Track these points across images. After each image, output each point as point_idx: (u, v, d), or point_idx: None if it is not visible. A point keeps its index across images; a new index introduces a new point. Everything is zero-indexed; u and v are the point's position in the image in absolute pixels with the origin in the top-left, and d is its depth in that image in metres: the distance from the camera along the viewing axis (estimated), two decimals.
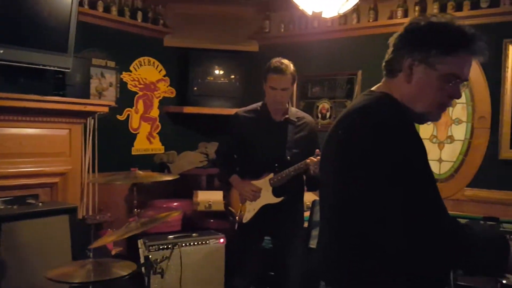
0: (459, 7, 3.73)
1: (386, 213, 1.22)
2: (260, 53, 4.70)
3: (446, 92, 1.32)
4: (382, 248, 1.25)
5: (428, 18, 1.34)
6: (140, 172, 2.51)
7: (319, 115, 4.54)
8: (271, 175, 2.91)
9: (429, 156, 4.12)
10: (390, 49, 1.40)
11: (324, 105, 4.54)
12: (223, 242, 3.66)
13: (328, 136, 1.44)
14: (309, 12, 3.31)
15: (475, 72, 3.70)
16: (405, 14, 3.99)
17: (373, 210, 1.24)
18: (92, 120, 3.88)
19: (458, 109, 3.87)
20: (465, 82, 1.52)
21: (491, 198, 3.63)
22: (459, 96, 1.34)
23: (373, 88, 1.45)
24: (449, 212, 3.71)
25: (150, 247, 3.38)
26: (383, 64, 1.43)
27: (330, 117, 4.48)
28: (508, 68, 3.54)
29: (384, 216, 1.22)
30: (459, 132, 3.87)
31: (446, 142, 3.93)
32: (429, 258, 1.21)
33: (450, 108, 3.91)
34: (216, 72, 4.75)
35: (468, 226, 1.28)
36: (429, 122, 1.44)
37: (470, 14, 3.62)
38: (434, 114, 1.37)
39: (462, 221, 3.27)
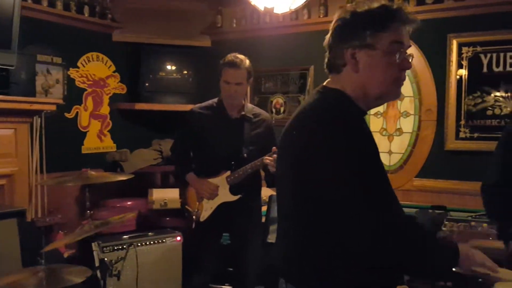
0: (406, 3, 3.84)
1: (342, 211, 1.24)
2: (213, 48, 4.66)
3: (395, 66, 1.35)
4: (340, 244, 1.27)
5: (350, 10, 1.39)
6: (92, 172, 2.44)
7: (273, 110, 4.57)
8: (228, 172, 2.90)
9: (379, 149, 4.23)
10: (327, 50, 1.44)
11: (278, 100, 4.57)
12: (180, 240, 3.63)
13: (284, 134, 1.45)
14: (261, 7, 3.32)
15: (421, 66, 3.84)
16: None
17: (330, 208, 1.26)
18: (39, 119, 3.73)
19: (406, 102, 4.01)
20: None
21: (438, 188, 3.78)
22: (409, 66, 1.38)
23: (325, 83, 1.46)
24: (402, 202, 3.83)
25: (104, 248, 3.30)
26: (325, 65, 1.46)
27: (284, 112, 4.52)
28: (452, 62, 3.69)
29: (340, 214, 1.24)
30: (407, 124, 4.01)
31: (395, 135, 4.06)
32: (382, 254, 1.23)
33: (399, 102, 4.04)
34: (168, 67, 4.68)
35: (422, 226, 1.35)
36: (379, 116, 1.47)
37: (415, 10, 3.73)
38: (392, 92, 1.40)
39: (412, 210, 3.44)
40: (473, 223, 2.99)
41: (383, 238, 1.22)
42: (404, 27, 1.36)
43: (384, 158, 4.13)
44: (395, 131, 4.06)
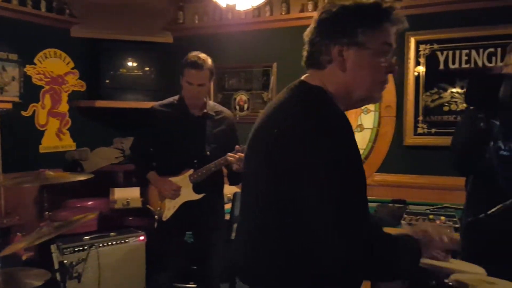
0: None
1: (318, 218, 1.19)
2: (175, 45, 4.61)
3: (382, 68, 1.29)
4: (307, 251, 1.23)
5: (339, 4, 1.30)
6: (51, 172, 2.38)
7: (237, 107, 4.56)
8: (191, 171, 2.88)
9: None
10: (308, 44, 1.35)
11: (241, 97, 4.57)
12: (143, 240, 3.58)
13: (257, 131, 1.37)
14: (222, 4, 3.31)
15: None
16: (315, 8, 4.11)
17: (304, 213, 1.21)
18: None
19: None
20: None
21: (398, 182, 3.88)
22: (396, 70, 1.33)
23: (303, 78, 1.37)
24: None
25: (65, 250, 3.22)
26: (305, 59, 1.37)
27: (248, 108, 4.52)
28: (410, 59, 3.79)
29: (315, 221, 1.19)
30: (368, 120, 4.09)
31: (356, 131, 4.13)
32: (348, 264, 1.20)
33: None
34: (129, 64, 4.60)
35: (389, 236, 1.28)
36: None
37: None
38: (376, 95, 1.34)
39: (373, 205, 3.51)
40: (431, 216, 3.09)
41: (355, 250, 1.18)
42: (393, 28, 1.31)
43: None
44: (356, 127, 4.14)
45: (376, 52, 1.27)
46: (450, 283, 1.30)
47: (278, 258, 1.28)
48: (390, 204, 3.50)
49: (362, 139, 4.12)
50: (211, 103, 3.01)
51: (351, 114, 4.16)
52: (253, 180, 1.37)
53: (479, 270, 1.48)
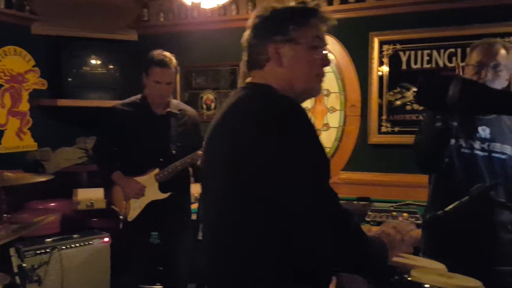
0: (330, 2, 3.94)
1: (288, 212, 1.20)
2: (139, 43, 4.54)
3: (317, 62, 1.38)
4: (278, 249, 1.24)
5: (270, 7, 1.39)
6: (9, 174, 2.31)
7: (204, 106, 4.54)
8: (157, 170, 2.85)
9: None
10: (247, 48, 1.41)
11: (208, 96, 4.55)
12: (107, 241, 3.51)
13: (214, 132, 1.37)
14: (188, 2, 3.28)
15: (346, 63, 3.97)
16: None
17: (276, 208, 1.21)
18: None
19: (332, 98, 4.13)
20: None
21: (363, 180, 3.94)
22: (329, 63, 1.42)
23: (248, 80, 1.41)
24: None
25: (26, 253, 3.12)
26: (245, 64, 1.42)
27: (215, 108, 4.51)
28: (374, 59, 3.85)
29: (284, 215, 1.20)
30: (334, 119, 4.14)
31: (322, 130, 4.17)
32: (332, 257, 1.22)
33: (325, 98, 4.16)
34: (93, 62, 4.50)
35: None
36: (307, 112, 1.40)
37: (339, 8, 3.86)
38: (315, 87, 1.41)
39: None
40: (394, 213, 3.15)
41: (330, 238, 1.19)
42: (322, 24, 1.40)
43: None
44: (322, 126, 4.18)
45: (309, 46, 1.36)
46: (409, 278, 1.33)
47: (249, 258, 1.28)
48: (355, 202, 3.55)
49: (328, 138, 4.16)
50: (174, 101, 2.99)
51: (317, 114, 4.21)
52: (214, 181, 1.37)
53: (439, 266, 1.52)
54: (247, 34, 1.42)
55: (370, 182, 3.88)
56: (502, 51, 2.03)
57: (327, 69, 4.41)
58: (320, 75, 1.41)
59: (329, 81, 4.12)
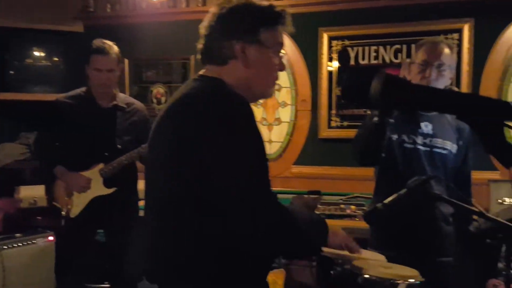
0: None
1: (221, 204, 1.22)
2: (85, 34, 4.39)
3: (276, 67, 1.39)
4: (214, 240, 1.25)
5: (231, 1, 1.36)
6: None
7: (154, 100, 4.46)
8: (101, 165, 2.78)
9: None
10: (205, 38, 1.38)
11: (158, 89, 4.47)
12: (52, 240, 3.40)
13: (158, 125, 1.37)
14: None
15: (296, 58, 4.00)
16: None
17: (208, 202, 1.23)
18: None
19: (284, 93, 4.15)
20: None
21: (314, 174, 3.99)
22: (284, 68, 1.44)
23: (201, 73, 1.40)
24: (279, 188, 3.94)
25: None
26: (201, 53, 1.40)
27: (166, 102, 4.43)
28: (323, 54, 3.90)
29: (219, 207, 1.22)
30: (285, 114, 4.16)
31: (274, 124, 4.19)
32: (260, 244, 1.25)
33: (277, 92, 4.18)
34: (36, 54, 4.33)
35: (290, 210, 1.34)
36: (259, 106, 1.40)
37: (289, 3, 3.85)
38: (269, 91, 1.44)
39: (289, 196, 3.59)
40: (342, 206, 3.21)
41: (262, 223, 1.22)
42: (284, 29, 1.40)
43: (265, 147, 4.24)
44: (274, 121, 4.20)
45: (273, 51, 1.37)
46: (350, 269, 1.35)
47: (188, 253, 1.28)
48: (306, 196, 3.59)
49: (280, 133, 4.19)
50: (121, 95, 2.93)
51: (269, 108, 4.22)
52: (157, 174, 1.36)
53: (379, 257, 1.56)
54: (208, 23, 1.37)
55: (320, 175, 3.94)
56: (446, 51, 2.09)
57: None
58: (276, 79, 1.43)
59: (281, 76, 4.07)
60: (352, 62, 3.84)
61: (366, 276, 1.32)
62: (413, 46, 2.20)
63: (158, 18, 4.31)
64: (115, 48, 2.79)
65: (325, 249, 1.51)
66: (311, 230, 1.34)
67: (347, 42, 3.84)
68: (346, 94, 0.74)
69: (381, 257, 1.56)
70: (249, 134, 1.24)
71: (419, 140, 2.08)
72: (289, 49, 4.00)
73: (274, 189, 4.10)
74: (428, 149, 2.08)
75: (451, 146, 2.12)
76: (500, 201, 3.04)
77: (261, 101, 4.20)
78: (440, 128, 2.12)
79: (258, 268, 1.33)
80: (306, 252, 1.42)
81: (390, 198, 1.41)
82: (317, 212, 3.14)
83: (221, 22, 1.35)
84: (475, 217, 2.04)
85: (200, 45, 1.40)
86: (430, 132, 2.10)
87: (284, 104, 4.18)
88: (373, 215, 1.43)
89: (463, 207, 1.44)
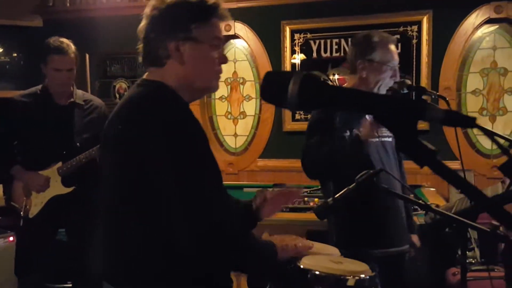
0: None
1: (168, 211, 1.21)
2: (45, 29, 4.27)
3: (215, 60, 1.38)
4: (163, 246, 1.25)
5: (164, 1, 1.34)
6: None
7: (117, 95, 4.39)
8: (60, 163, 2.72)
9: (226, 132, 4.24)
10: (143, 41, 1.38)
11: (121, 84, 4.40)
12: (12, 241, 3.31)
13: (108, 127, 1.37)
14: None
15: (260, 51, 3.99)
16: None
17: (155, 205, 1.23)
18: None
19: (248, 87, 4.15)
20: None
21: (279, 167, 4.00)
22: (226, 60, 1.42)
23: (144, 77, 1.40)
24: (245, 182, 3.92)
25: None
26: (142, 56, 1.39)
27: None
28: (286, 48, 3.90)
29: (165, 214, 1.22)
30: (250, 108, 4.16)
31: (239, 118, 4.19)
32: (207, 257, 1.24)
33: (241, 86, 4.18)
34: None
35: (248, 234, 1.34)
36: (224, 100, 1.41)
37: None
38: (214, 84, 1.42)
39: (254, 190, 3.59)
40: (306, 199, 3.23)
41: (209, 238, 1.21)
42: (221, 22, 1.39)
43: (231, 141, 4.25)
44: (239, 114, 4.19)
45: (210, 46, 1.36)
46: (301, 266, 1.36)
47: (140, 256, 1.29)
48: (270, 189, 3.59)
49: (245, 126, 4.19)
50: (79, 91, 2.86)
51: (233, 102, 4.21)
52: (105, 177, 1.37)
53: (332, 250, 1.58)
54: (143, 25, 1.37)
55: (285, 168, 3.95)
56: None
57: (241, 57, 4.41)
58: (218, 72, 1.42)
59: (244, 70, 4.14)
60: (314, 55, 3.86)
61: (316, 272, 1.33)
62: (365, 42, 2.12)
63: (119, 12, 4.22)
64: (73, 47, 2.73)
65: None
66: (261, 251, 1.34)
67: (309, 35, 3.85)
68: (263, 94, 0.73)
69: (334, 250, 1.58)
70: (187, 140, 1.23)
71: None
72: (252, 43, 3.99)
73: (240, 182, 4.09)
74: (378, 140, 2.09)
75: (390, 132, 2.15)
76: (459, 190, 3.11)
77: (225, 94, 4.19)
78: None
79: (209, 272, 1.32)
80: (253, 271, 1.42)
81: (340, 193, 1.42)
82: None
83: (154, 23, 1.34)
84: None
85: (139, 48, 1.40)
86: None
87: (249, 98, 4.17)
88: (324, 210, 1.44)
89: (409, 200, 1.46)
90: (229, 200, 1.45)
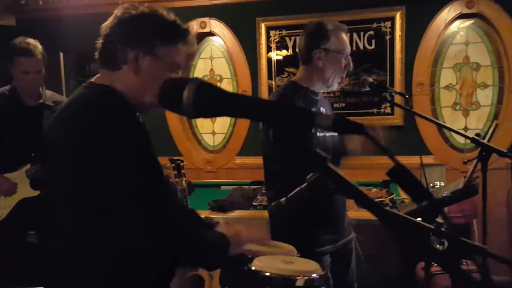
0: None
1: (113, 210, 1.21)
2: (18, 28, 4.23)
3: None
4: (110, 245, 1.25)
5: (138, 8, 1.33)
6: None
7: None
8: (28, 166, 2.69)
9: (203, 129, 4.21)
10: (104, 38, 1.35)
11: None
12: None
13: (50, 132, 1.36)
14: None
15: (236, 49, 3.97)
16: None
17: (101, 207, 1.22)
18: None
19: (225, 84, 4.14)
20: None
21: (256, 164, 3.95)
22: None
23: (92, 80, 1.39)
24: (223, 180, 3.91)
25: None
26: (98, 54, 1.37)
27: None
28: (262, 45, 3.89)
29: (112, 213, 1.21)
30: None
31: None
32: (153, 254, 1.24)
33: (218, 83, 4.16)
34: None
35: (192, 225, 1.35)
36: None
37: None
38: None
39: (230, 188, 3.58)
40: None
41: (155, 232, 1.22)
42: (185, 48, 1.38)
43: (209, 139, 4.24)
44: None
45: (168, 67, 1.35)
46: (253, 268, 1.36)
47: (82, 260, 1.29)
48: (246, 187, 3.59)
49: (223, 124, 4.18)
50: (48, 92, 2.83)
51: None
52: (52, 179, 1.37)
53: (289, 248, 1.57)
54: (110, 23, 1.34)
55: (262, 166, 3.93)
56: None
57: (218, 54, 4.37)
58: None
59: (221, 67, 4.12)
60: (290, 51, 3.86)
61: (266, 274, 1.33)
62: (316, 29, 2.07)
63: (94, 10, 4.18)
64: (40, 47, 2.68)
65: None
66: (208, 246, 1.34)
67: (284, 32, 3.85)
68: (160, 101, 0.73)
69: (290, 248, 1.58)
70: (128, 146, 1.22)
71: None
72: (228, 40, 3.97)
73: (219, 180, 4.07)
74: (330, 133, 2.07)
75: None
76: (432, 185, 3.13)
77: None
78: (330, 110, 2.16)
79: (157, 265, 1.33)
80: (202, 262, 1.41)
81: (292, 192, 1.42)
82: (255, 204, 3.16)
83: (120, 27, 1.32)
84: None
85: (98, 44, 1.37)
86: None
87: None
88: (278, 210, 1.44)
89: (360, 199, 1.46)
90: (175, 199, 1.44)
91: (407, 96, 1.89)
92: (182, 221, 1.32)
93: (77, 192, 1.26)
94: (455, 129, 2.09)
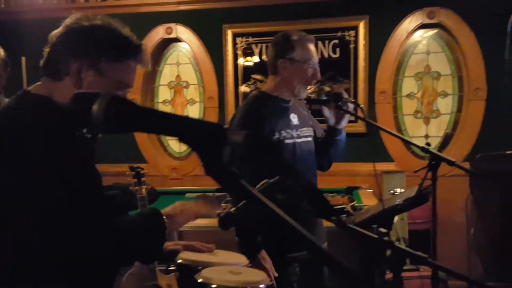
0: None
1: (40, 218, 1.17)
2: None
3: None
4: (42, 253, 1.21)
5: (91, 19, 1.29)
6: None
7: None
8: None
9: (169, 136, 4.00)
10: (50, 46, 1.30)
11: None
12: None
13: None
14: None
15: (202, 55, 3.97)
16: None
17: (26, 215, 1.18)
18: None
19: (192, 90, 4.13)
20: None
21: None
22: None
23: (30, 88, 1.33)
24: (189, 187, 3.88)
25: None
26: (42, 62, 1.32)
27: None
28: (228, 51, 3.90)
29: (36, 221, 1.17)
30: (194, 112, 4.14)
31: None
32: (87, 258, 1.20)
33: (185, 89, 4.15)
34: None
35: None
36: (167, 104, 1.35)
37: (192, 0, 3.85)
38: None
39: (193, 195, 3.56)
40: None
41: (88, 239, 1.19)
42: (136, 65, 1.33)
43: (174, 146, 4.21)
44: None
45: (112, 84, 1.28)
46: (199, 280, 1.35)
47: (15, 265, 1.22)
48: (211, 194, 3.57)
49: None
50: (6, 100, 2.76)
51: (177, 106, 4.18)
52: None
53: (240, 259, 1.57)
54: (58, 32, 1.30)
55: None
56: None
57: (184, 60, 4.33)
58: None
59: (188, 73, 4.11)
60: (256, 59, 3.87)
61: (213, 286, 1.32)
62: (280, 40, 2.12)
63: (57, 14, 4.11)
64: (2, 52, 2.62)
65: (182, 256, 1.52)
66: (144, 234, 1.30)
67: (251, 39, 3.86)
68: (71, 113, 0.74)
69: (242, 258, 1.58)
70: (46, 161, 1.18)
71: (294, 133, 2.08)
72: (194, 46, 3.96)
73: (184, 187, 4.03)
74: (302, 140, 2.09)
75: (311, 132, 2.16)
76: (392, 191, 3.18)
77: (169, 98, 4.15)
78: (302, 117, 2.15)
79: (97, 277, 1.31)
80: (142, 252, 1.38)
81: (241, 203, 1.41)
82: (218, 212, 3.14)
83: (67, 37, 1.28)
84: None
85: (45, 51, 1.33)
86: (297, 123, 2.11)
87: (193, 102, 4.15)
88: (227, 220, 1.43)
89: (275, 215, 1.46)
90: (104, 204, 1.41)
91: (361, 106, 1.92)
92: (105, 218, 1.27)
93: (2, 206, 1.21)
94: (410, 137, 2.13)
